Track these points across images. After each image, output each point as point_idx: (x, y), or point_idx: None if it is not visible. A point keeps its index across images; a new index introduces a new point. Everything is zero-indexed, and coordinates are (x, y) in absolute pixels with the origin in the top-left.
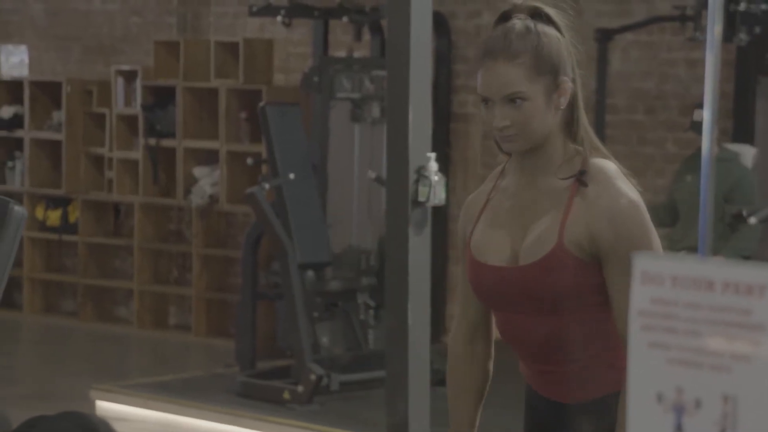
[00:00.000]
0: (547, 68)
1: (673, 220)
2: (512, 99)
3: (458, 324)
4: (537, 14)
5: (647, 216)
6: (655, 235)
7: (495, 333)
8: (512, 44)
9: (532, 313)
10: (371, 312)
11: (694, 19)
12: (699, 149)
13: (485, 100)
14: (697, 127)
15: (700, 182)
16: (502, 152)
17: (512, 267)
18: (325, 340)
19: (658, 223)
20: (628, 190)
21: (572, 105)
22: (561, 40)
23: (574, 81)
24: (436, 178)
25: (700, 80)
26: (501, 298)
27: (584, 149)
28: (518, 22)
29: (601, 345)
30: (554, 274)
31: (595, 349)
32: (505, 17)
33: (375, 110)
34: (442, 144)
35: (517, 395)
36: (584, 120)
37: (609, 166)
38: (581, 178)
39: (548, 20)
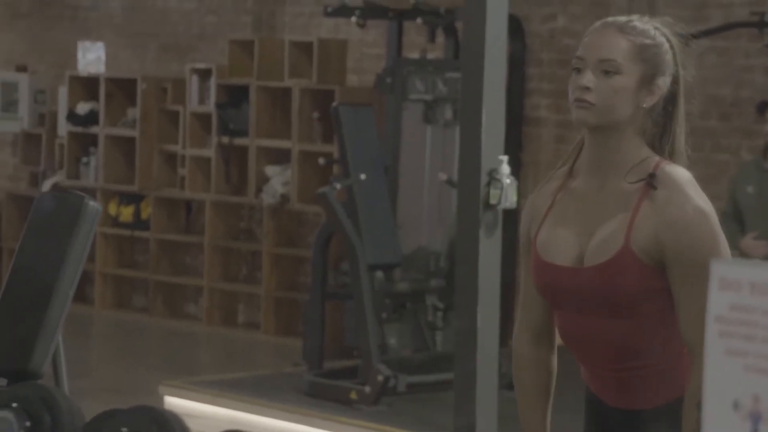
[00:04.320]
0: (650, 62)
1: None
2: (606, 70)
3: (521, 326)
4: (666, 25)
5: (716, 224)
6: (724, 244)
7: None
8: (631, 22)
9: (596, 315)
10: (439, 314)
11: None
12: (757, 156)
13: (577, 68)
14: None
15: (762, 189)
16: (563, 164)
17: (578, 268)
18: (392, 341)
19: (731, 235)
20: (698, 197)
21: (656, 113)
22: (674, 54)
23: (674, 106)
24: (507, 181)
25: None
26: (565, 298)
27: (661, 153)
28: (646, 19)
29: (666, 349)
30: (619, 277)
31: (660, 354)
32: None
33: (447, 112)
34: (513, 147)
35: (579, 401)
36: (681, 133)
37: (681, 172)
38: (651, 181)
39: (672, 36)
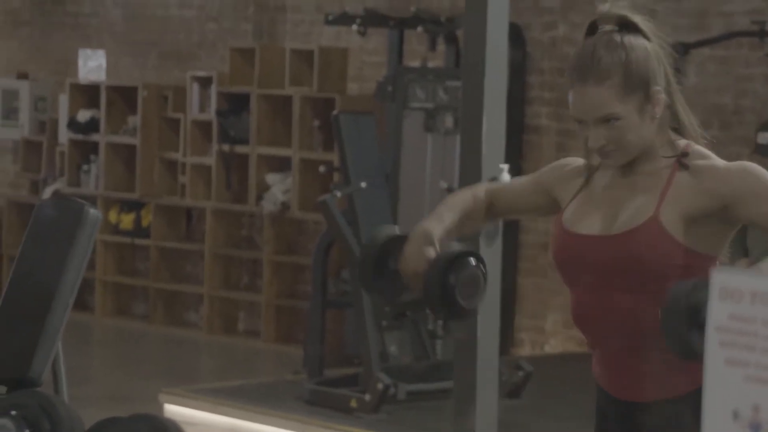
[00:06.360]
0: (637, 84)
1: (743, 254)
2: (606, 119)
3: (483, 186)
4: (623, 23)
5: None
6: None
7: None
8: (600, 64)
9: (616, 289)
10: (439, 322)
11: None
12: None
13: (579, 120)
14: (762, 150)
15: None
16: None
17: (603, 236)
18: (393, 349)
19: (734, 257)
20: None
21: (670, 107)
22: (649, 49)
23: (668, 85)
24: None
25: None
26: (586, 270)
27: (688, 136)
28: (605, 37)
29: None
30: (643, 246)
31: None
32: (591, 29)
33: (448, 120)
34: (514, 156)
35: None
36: (688, 118)
37: (711, 153)
38: (683, 160)
39: (635, 29)
